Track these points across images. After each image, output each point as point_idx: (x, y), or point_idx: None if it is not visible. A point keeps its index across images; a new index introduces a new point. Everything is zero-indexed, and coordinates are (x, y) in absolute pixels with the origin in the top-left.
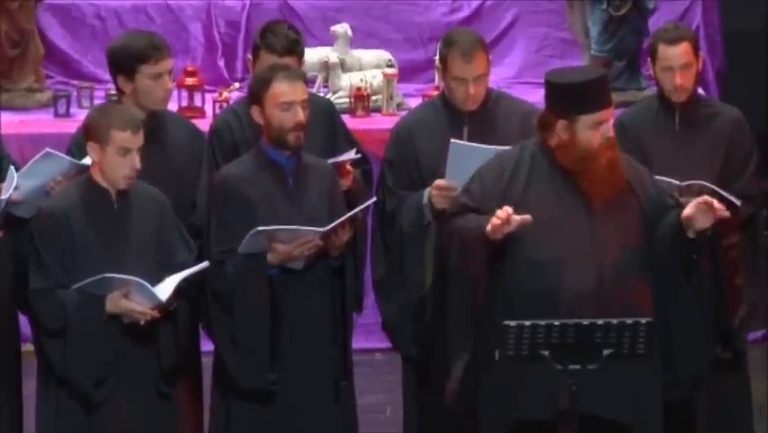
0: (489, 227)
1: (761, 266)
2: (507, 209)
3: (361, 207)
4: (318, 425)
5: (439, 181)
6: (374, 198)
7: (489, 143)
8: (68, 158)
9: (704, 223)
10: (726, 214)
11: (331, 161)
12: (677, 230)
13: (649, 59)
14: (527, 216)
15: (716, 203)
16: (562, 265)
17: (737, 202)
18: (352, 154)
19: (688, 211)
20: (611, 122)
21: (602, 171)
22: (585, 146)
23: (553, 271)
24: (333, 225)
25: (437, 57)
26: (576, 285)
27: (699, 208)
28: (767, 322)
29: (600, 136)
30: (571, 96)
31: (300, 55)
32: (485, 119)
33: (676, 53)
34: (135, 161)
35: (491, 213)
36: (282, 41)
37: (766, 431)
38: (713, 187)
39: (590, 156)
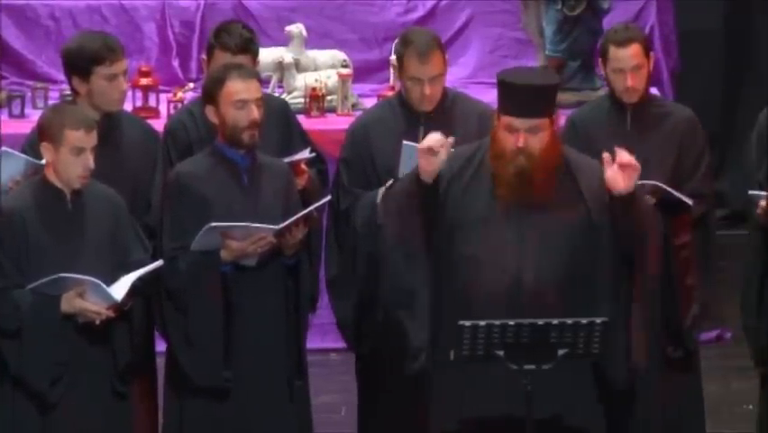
0: (419, 157)
1: (713, 266)
2: (437, 136)
3: (315, 205)
4: (272, 424)
5: (391, 182)
6: (328, 197)
7: None
8: (24, 157)
9: (621, 183)
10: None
11: (286, 160)
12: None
13: (600, 60)
14: (450, 140)
15: (629, 159)
16: (480, 265)
17: (689, 202)
18: (306, 153)
19: (608, 172)
20: (540, 135)
21: (510, 178)
22: (500, 146)
23: (469, 269)
24: (286, 222)
25: (393, 57)
26: (490, 286)
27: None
28: (719, 322)
29: (513, 143)
30: (500, 93)
31: (254, 53)
32: (441, 119)
33: (626, 55)
34: (89, 160)
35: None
36: (236, 39)
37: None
38: (665, 187)
39: (501, 158)
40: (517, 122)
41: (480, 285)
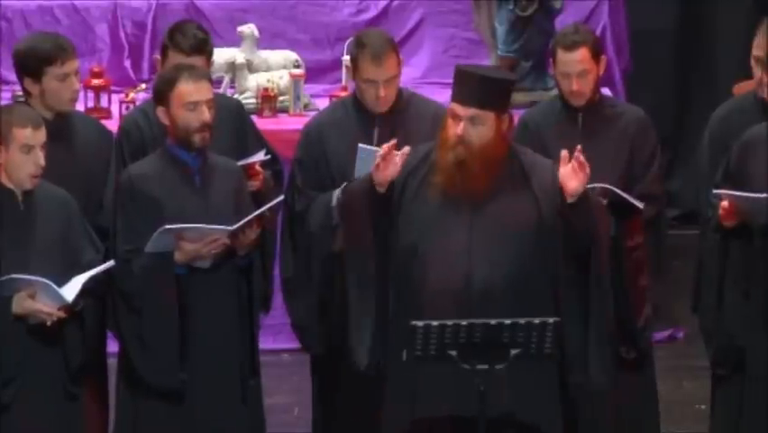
0: (373, 169)
1: (665, 266)
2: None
3: (268, 205)
4: (225, 424)
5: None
6: (281, 197)
7: (401, 145)
8: None
9: (574, 183)
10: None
11: (240, 162)
12: (563, 206)
13: (551, 61)
14: (406, 149)
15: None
16: (430, 263)
17: (640, 205)
18: (261, 155)
19: (562, 170)
20: (478, 128)
21: (448, 167)
22: (444, 134)
23: (420, 268)
24: (240, 223)
25: (347, 58)
26: (440, 285)
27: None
28: (672, 322)
29: (454, 131)
30: (453, 80)
31: (209, 54)
32: (396, 120)
33: (573, 59)
34: (39, 158)
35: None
36: (190, 40)
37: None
38: (615, 189)
39: (443, 146)
40: (460, 109)
41: (430, 284)
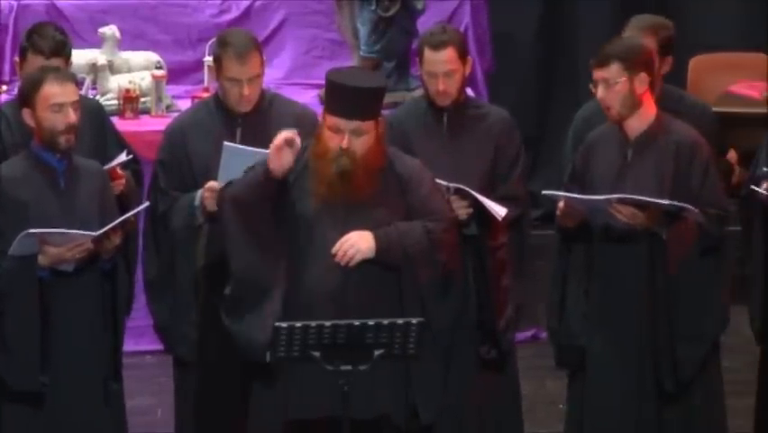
0: (270, 155)
1: (527, 267)
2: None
3: (133, 211)
4: (87, 427)
5: (211, 183)
6: (146, 204)
7: (263, 145)
8: None
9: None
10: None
11: (106, 167)
12: None
13: (418, 61)
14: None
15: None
16: (307, 265)
17: (500, 214)
18: (122, 157)
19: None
20: (365, 138)
21: (331, 178)
22: (323, 146)
23: (298, 270)
24: (103, 229)
25: (209, 58)
26: (317, 286)
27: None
28: (534, 321)
29: (336, 143)
30: (328, 93)
31: (67, 56)
32: (259, 121)
33: (439, 59)
34: None
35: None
36: (49, 42)
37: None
38: (475, 194)
39: (323, 158)
40: (343, 123)
41: (307, 285)
